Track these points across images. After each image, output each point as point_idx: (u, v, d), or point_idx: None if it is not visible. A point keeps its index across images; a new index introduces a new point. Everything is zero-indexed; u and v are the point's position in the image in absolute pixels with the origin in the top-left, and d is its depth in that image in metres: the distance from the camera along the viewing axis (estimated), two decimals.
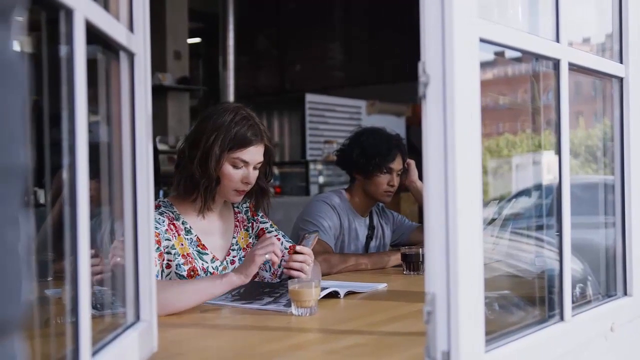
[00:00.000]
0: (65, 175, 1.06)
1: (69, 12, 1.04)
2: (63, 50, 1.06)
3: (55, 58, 1.07)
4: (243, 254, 2.45)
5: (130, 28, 1.41)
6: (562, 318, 1.59)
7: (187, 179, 2.31)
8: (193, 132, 2.35)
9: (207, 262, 2.33)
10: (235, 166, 2.30)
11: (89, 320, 1.07)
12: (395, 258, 2.95)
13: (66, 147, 1.05)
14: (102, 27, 1.19)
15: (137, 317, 1.44)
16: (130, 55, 1.41)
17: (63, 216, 1.08)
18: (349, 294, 2.29)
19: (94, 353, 1.14)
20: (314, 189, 7.55)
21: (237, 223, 2.49)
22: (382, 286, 2.46)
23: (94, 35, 1.16)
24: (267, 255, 2.07)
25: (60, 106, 1.06)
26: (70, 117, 1.05)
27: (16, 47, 0.64)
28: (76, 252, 1.05)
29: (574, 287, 1.72)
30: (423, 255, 2.77)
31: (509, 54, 1.65)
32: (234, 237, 2.46)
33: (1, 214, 0.61)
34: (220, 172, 2.29)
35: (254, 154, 2.32)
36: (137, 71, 1.43)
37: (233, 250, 2.44)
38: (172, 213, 2.32)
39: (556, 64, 1.60)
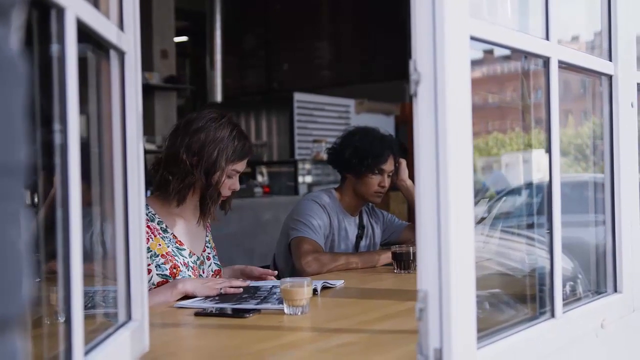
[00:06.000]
0: (55, 175, 1.06)
1: (60, 11, 1.03)
2: (54, 48, 1.05)
3: (45, 56, 1.07)
4: (214, 252, 2.59)
5: (121, 26, 1.41)
6: (553, 315, 1.60)
7: (187, 187, 2.38)
8: (188, 140, 2.37)
9: (186, 257, 2.42)
10: (229, 176, 2.43)
11: (81, 320, 1.06)
12: (386, 257, 2.95)
13: (58, 147, 1.05)
14: (93, 26, 1.18)
15: (129, 317, 1.43)
16: (121, 54, 1.41)
17: (52, 216, 1.07)
18: (324, 288, 2.35)
19: (86, 352, 1.13)
20: (302, 189, 7.54)
21: (207, 224, 2.61)
22: (339, 283, 2.49)
23: (84, 34, 1.16)
24: (222, 290, 2.23)
25: (51, 105, 1.05)
26: (62, 116, 1.05)
27: (16, 45, 0.64)
28: (68, 251, 1.04)
29: (564, 285, 1.73)
30: (414, 253, 2.79)
31: (498, 52, 1.65)
32: (207, 236, 2.59)
33: (3, 210, 0.61)
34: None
35: (245, 164, 2.49)
36: (127, 70, 1.42)
37: (208, 247, 2.56)
38: (147, 214, 2.34)
39: (546, 61, 1.61)
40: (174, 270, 2.34)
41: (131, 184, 1.43)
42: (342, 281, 2.50)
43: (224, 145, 2.38)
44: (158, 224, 2.39)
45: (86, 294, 1.30)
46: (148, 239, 2.30)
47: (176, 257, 2.37)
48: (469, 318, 1.26)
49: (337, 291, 2.39)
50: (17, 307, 0.63)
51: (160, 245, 2.35)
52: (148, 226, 2.33)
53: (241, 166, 2.45)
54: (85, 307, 1.15)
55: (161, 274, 2.32)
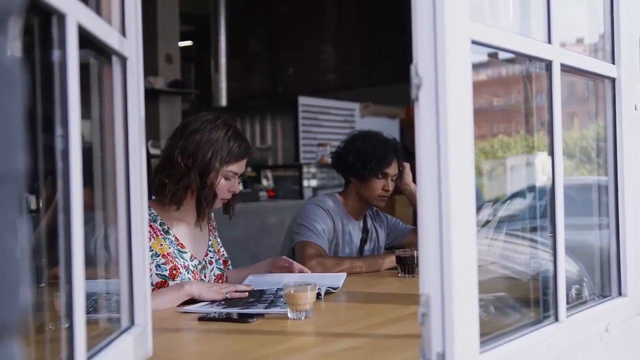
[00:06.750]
0: (58, 180, 1.06)
1: (62, 17, 1.04)
2: (55, 54, 1.06)
3: (47, 62, 1.07)
4: (217, 256, 2.58)
5: (123, 32, 1.41)
6: (556, 319, 1.59)
7: (183, 189, 2.38)
8: (183, 143, 2.38)
9: (187, 260, 2.42)
10: (226, 178, 2.42)
11: (83, 325, 1.06)
12: (390, 260, 2.95)
13: (59, 152, 1.05)
14: (95, 32, 1.19)
15: (132, 322, 1.43)
16: (123, 60, 1.41)
17: (56, 222, 1.07)
18: (328, 293, 2.35)
19: (89, 358, 1.14)
20: (307, 192, 7.53)
21: (211, 228, 2.61)
22: (342, 278, 2.52)
23: (86, 40, 1.16)
24: (227, 295, 2.23)
25: (53, 111, 1.06)
26: (64, 122, 1.05)
27: (13, 52, 0.64)
28: (70, 257, 1.04)
29: (569, 289, 1.73)
30: (418, 257, 2.78)
31: (503, 55, 1.65)
32: (210, 240, 2.58)
33: (1, 218, 0.61)
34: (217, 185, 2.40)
35: (244, 166, 2.47)
36: (129, 75, 1.42)
37: (210, 251, 2.56)
38: (150, 215, 2.35)
39: (548, 65, 1.60)
40: (174, 272, 2.34)
41: (134, 189, 1.43)
42: (344, 274, 2.55)
43: (219, 146, 2.37)
44: (160, 225, 2.40)
45: (89, 297, 1.30)
46: (150, 238, 2.31)
47: (177, 259, 2.37)
48: (471, 322, 1.26)
49: (340, 295, 2.39)
50: (15, 314, 0.63)
51: (161, 245, 2.36)
52: (150, 226, 2.33)
53: (238, 167, 2.43)
54: (88, 312, 1.15)
55: (160, 274, 2.32)
